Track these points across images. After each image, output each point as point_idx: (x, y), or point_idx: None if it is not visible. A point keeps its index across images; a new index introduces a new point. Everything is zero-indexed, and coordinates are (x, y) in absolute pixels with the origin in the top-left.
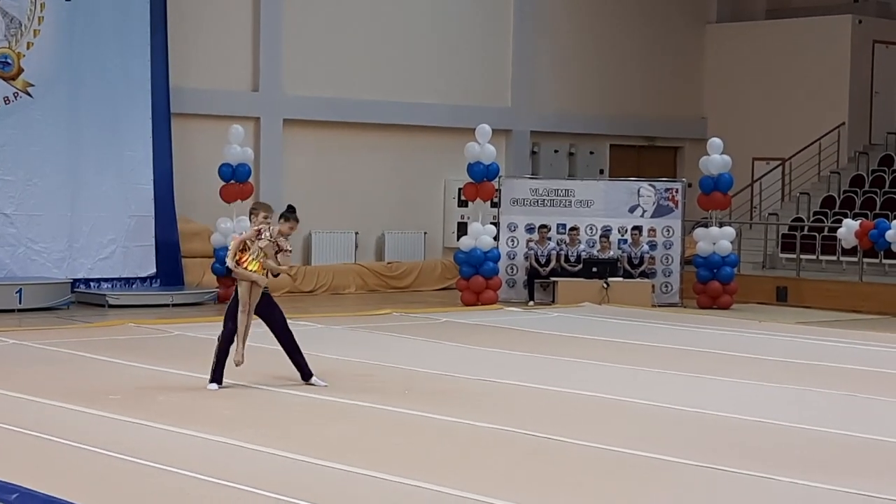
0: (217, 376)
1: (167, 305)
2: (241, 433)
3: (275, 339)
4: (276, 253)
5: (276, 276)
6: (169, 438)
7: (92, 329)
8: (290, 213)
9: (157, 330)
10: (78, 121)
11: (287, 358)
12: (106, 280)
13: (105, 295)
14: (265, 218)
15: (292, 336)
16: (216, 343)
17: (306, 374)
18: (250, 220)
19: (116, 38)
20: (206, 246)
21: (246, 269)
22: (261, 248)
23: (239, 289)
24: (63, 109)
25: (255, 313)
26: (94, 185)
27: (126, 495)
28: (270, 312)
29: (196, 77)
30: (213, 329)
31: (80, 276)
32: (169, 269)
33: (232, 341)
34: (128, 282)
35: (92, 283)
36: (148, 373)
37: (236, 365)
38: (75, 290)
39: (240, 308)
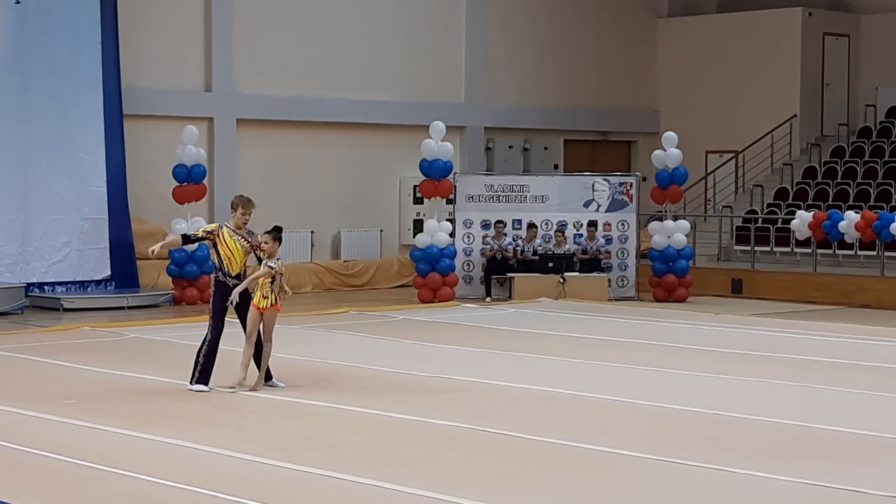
0: (204, 377)
1: (122, 308)
2: (199, 435)
3: (232, 340)
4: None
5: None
6: (126, 442)
7: (47, 333)
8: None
9: (112, 333)
10: (29, 123)
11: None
12: (60, 283)
13: (59, 298)
14: (243, 214)
15: (260, 338)
16: (203, 343)
17: (267, 376)
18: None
19: (67, 40)
20: None
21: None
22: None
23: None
24: (14, 111)
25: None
26: (47, 188)
27: (83, 500)
28: (247, 311)
29: (148, 77)
30: (169, 331)
31: (33, 279)
32: (124, 272)
33: (219, 341)
34: (82, 285)
35: (46, 287)
36: (104, 376)
37: (231, 389)
38: (29, 294)
39: (246, 336)
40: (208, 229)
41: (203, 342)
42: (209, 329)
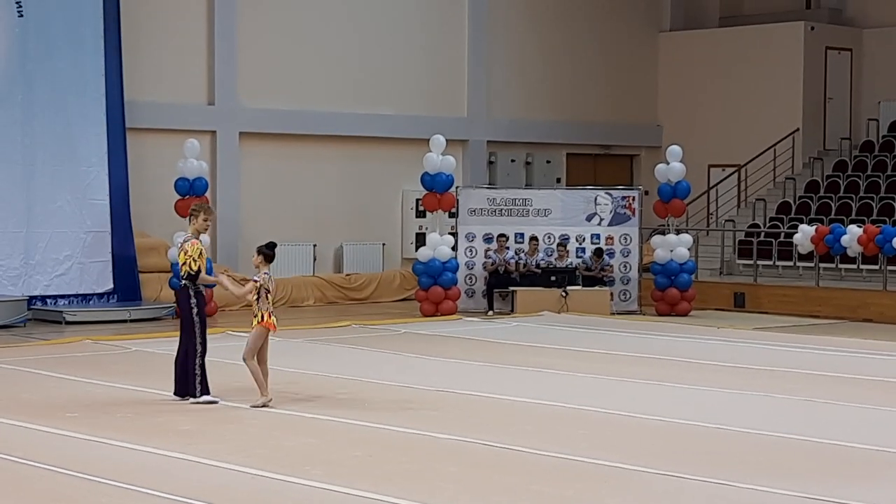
0: (206, 388)
1: (125, 321)
2: (200, 448)
3: (231, 353)
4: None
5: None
6: (128, 455)
7: (49, 346)
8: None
9: (115, 346)
10: (32, 137)
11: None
12: (63, 296)
13: (62, 311)
14: (205, 220)
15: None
16: (195, 356)
17: (182, 392)
18: (189, 222)
19: (70, 53)
20: (162, 260)
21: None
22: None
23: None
24: (17, 125)
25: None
26: (50, 201)
27: None
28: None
29: (151, 91)
30: (171, 344)
31: (36, 293)
32: (126, 285)
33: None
34: (85, 298)
35: (48, 300)
36: (106, 389)
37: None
38: (32, 307)
39: (248, 354)
40: (199, 253)
41: (194, 356)
42: (199, 340)
